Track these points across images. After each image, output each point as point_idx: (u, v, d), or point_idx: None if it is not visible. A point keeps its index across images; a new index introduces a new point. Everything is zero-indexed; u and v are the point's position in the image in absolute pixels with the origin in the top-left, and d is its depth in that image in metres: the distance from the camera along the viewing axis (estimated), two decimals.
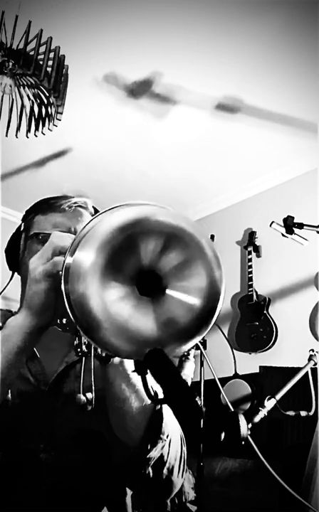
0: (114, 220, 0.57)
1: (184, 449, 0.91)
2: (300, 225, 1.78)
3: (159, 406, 0.84)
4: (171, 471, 0.86)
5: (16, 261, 1.04)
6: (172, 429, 0.86)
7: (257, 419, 1.33)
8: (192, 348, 1.86)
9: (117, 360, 0.80)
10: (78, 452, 0.88)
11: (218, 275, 0.61)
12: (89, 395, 0.84)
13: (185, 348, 0.58)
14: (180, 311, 0.57)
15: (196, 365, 1.84)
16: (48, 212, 1.00)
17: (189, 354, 1.83)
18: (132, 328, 0.55)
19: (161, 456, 0.84)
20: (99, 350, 0.76)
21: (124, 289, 0.56)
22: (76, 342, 0.76)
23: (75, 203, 0.98)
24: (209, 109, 2.88)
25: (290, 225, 1.78)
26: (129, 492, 0.96)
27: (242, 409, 2.79)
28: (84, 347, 0.75)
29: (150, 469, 0.84)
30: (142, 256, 0.57)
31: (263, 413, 1.36)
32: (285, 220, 1.79)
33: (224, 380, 2.82)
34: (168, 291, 0.57)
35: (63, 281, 0.58)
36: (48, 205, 1.01)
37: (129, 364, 0.80)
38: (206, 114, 2.92)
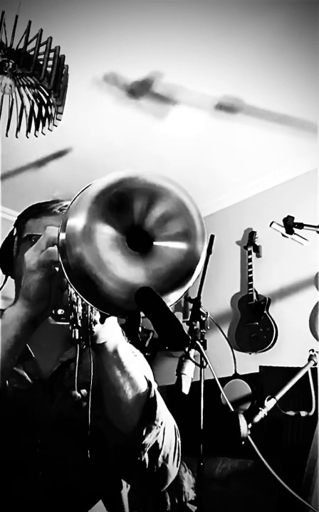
0: (100, 182, 0.61)
1: (179, 439, 0.94)
2: (300, 225, 1.78)
3: (153, 394, 0.87)
4: (166, 459, 0.89)
5: (10, 264, 1.06)
6: (166, 418, 0.89)
7: (257, 419, 1.33)
8: (192, 348, 1.86)
9: (111, 348, 0.82)
10: (75, 447, 0.90)
11: (199, 225, 0.63)
12: (84, 392, 0.90)
13: (174, 295, 0.60)
14: (166, 259, 0.60)
15: (196, 365, 1.84)
16: (40, 216, 1.02)
17: (189, 354, 1.83)
18: (123, 276, 0.58)
19: (156, 443, 0.87)
20: (95, 330, 0.78)
21: (115, 243, 0.59)
22: (72, 329, 0.78)
23: (66, 206, 0.97)
24: (209, 109, 2.88)
25: (290, 225, 1.77)
26: (125, 488, 0.98)
27: (242, 409, 2.79)
28: (78, 334, 0.78)
29: (146, 456, 0.86)
30: (130, 212, 0.60)
31: (263, 413, 1.36)
32: (285, 220, 1.79)
33: (224, 380, 2.82)
34: (155, 243, 0.61)
35: (60, 256, 0.61)
36: (39, 210, 1.04)
37: (124, 353, 0.84)
38: (206, 114, 2.92)
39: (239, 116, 2.90)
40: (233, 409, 1.85)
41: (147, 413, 0.85)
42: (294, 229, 1.78)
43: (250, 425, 1.30)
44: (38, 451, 0.90)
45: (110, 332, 0.82)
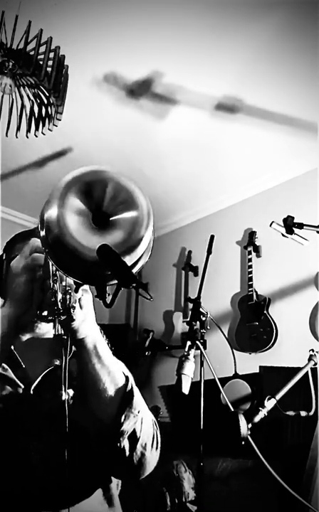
0: (66, 177, 0.77)
1: (157, 431, 1.04)
2: (300, 225, 1.78)
3: (131, 387, 0.98)
4: (144, 447, 0.98)
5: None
6: (143, 409, 0.99)
7: (257, 419, 1.33)
8: (192, 348, 1.86)
9: (90, 344, 0.94)
10: (64, 444, 0.96)
11: (144, 202, 0.76)
12: (70, 392, 1.00)
13: (129, 258, 0.73)
14: (121, 228, 0.74)
15: (196, 365, 1.84)
16: (28, 239, 1.10)
17: (189, 354, 1.83)
18: (90, 244, 0.71)
19: (134, 431, 0.96)
20: (75, 326, 0.91)
21: (82, 221, 0.73)
22: (54, 324, 0.93)
23: None
24: (209, 109, 2.88)
25: (290, 225, 1.77)
26: (116, 490, 1.05)
27: (242, 409, 2.79)
28: (61, 328, 0.92)
29: (125, 443, 0.95)
30: (92, 197, 0.75)
31: (263, 413, 1.36)
32: (285, 220, 1.79)
33: (224, 380, 2.82)
34: (111, 218, 0.75)
35: (42, 239, 0.75)
36: (27, 233, 1.15)
37: (102, 348, 0.96)
38: (206, 114, 2.92)
39: (239, 116, 2.90)
40: (233, 409, 1.85)
41: (125, 402, 0.95)
42: (294, 229, 1.78)
43: (250, 425, 1.30)
44: (31, 450, 0.97)
45: (88, 328, 0.94)
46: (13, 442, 0.98)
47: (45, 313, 0.93)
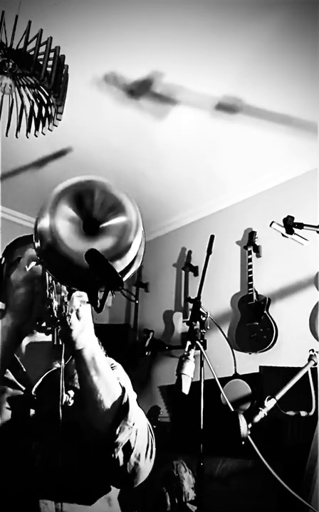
0: (61, 185, 0.80)
1: (152, 438, 1.05)
2: (300, 225, 1.77)
3: (126, 399, 0.98)
4: (138, 457, 0.99)
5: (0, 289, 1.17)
6: (138, 420, 1.00)
7: (257, 419, 1.33)
8: (192, 348, 1.86)
9: (89, 355, 0.96)
10: (66, 445, 1.00)
11: (133, 210, 0.81)
12: (71, 393, 1.03)
13: (120, 262, 0.77)
14: (110, 235, 0.77)
15: (196, 365, 1.84)
16: (27, 244, 1.14)
17: (189, 354, 1.83)
18: (81, 250, 0.74)
19: (129, 442, 0.97)
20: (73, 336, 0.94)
21: (73, 229, 0.77)
22: (53, 334, 0.96)
23: None
24: (209, 109, 2.88)
25: (290, 225, 1.77)
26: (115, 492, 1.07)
27: (242, 409, 2.79)
28: (57, 339, 0.95)
29: (119, 454, 0.96)
30: (82, 206, 0.78)
31: (263, 413, 1.35)
32: (285, 220, 1.79)
33: (224, 380, 2.82)
34: (101, 225, 0.78)
35: (36, 248, 0.78)
36: (25, 239, 1.17)
37: (100, 360, 0.98)
38: (206, 114, 2.92)
39: (239, 116, 2.90)
40: (233, 409, 1.85)
41: (120, 415, 0.96)
42: (294, 229, 1.78)
43: (250, 425, 1.30)
44: (33, 450, 0.99)
45: (86, 339, 0.96)
46: (16, 443, 0.99)
47: (44, 324, 0.98)
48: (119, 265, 0.76)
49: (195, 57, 2.53)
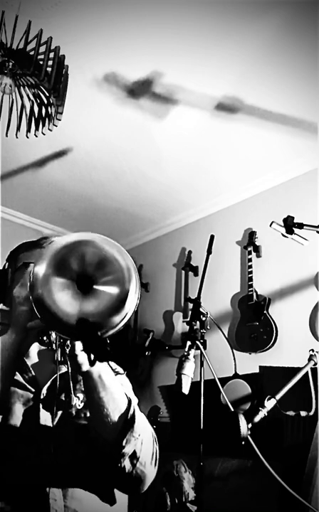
0: (65, 239, 0.88)
1: (156, 446, 1.08)
2: (300, 225, 1.77)
3: (132, 411, 1.01)
4: (144, 465, 1.02)
5: (3, 293, 1.20)
6: (144, 430, 1.03)
7: (257, 419, 1.33)
8: (192, 348, 1.86)
9: (95, 375, 0.98)
10: (76, 447, 1.02)
11: (128, 284, 0.84)
12: (80, 396, 1.06)
13: (113, 320, 0.82)
14: (102, 298, 0.83)
15: (196, 365, 1.84)
16: (31, 250, 1.18)
17: (189, 354, 1.83)
18: (71, 311, 0.81)
19: (135, 451, 1.00)
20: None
21: (66, 286, 0.83)
22: (54, 352, 1.05)
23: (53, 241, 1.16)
24: (209, 109, 2.88)
25: (290, 225, 1.77)
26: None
27: (242, 409, 2.79)
28: (60, 356, 1.05)
29: (125, 463, 0.99)
30: (79, 265, 0.85)
31: (263, 413, 1.35)
32: (285, 220, 1.79)
33: (224, 380, 2.82)
34: (95, 287, 0.84)
35: (28, 287, 0.87)
36: (31, 245, 1.21)
37: (106, 376, 1.00)
38: (206, 114, 2.92)
39: (239, 116, 2.90)
40: (233, 409, 1.85)
41: (127, 427, 0.99)
42: (294, 229, 1.78)
43: (250, 425, 1.30)
44: (43, 447, 1.00)
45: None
46: (26, 442, 1.01)
47: (45, 338, 1.05)
48: (116, 320, 0.81)
49: (195, 57, 2.53)
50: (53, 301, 0.81)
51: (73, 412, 1.05)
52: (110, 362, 1.11)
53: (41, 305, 0.82)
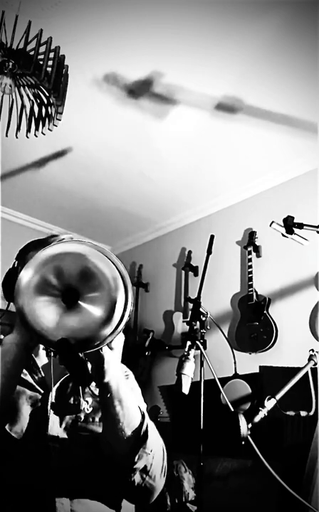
0: (50, 250, 0.85)
1: (165, 458, 1.07)
2: (300, 225, 1.78)
3: (146, 427, 0.99)
4: (153, 478, 1.01)
5: (12, 293, 1.15)
6: (156, 445, 1.02)
7: (257, 419, 1.33)
8: (192, 348, 1.86)
9: (114, 387, 0.95)
10: (83, 453, 1.02)
11: (115, 294, 0.81)
12: (89, 400, 1.04)
13: (99, 336, 0.80)
14: (88, 312, 0.80)
15: (196, 365, 1.84)
16: (40, 247, 1.14)
17: (189, 354, 1.83)
18: (52, 326, 0.80)
19: (145, 466, 0.99)
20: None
21: (50, 299, 0.81)
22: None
23: (63, 239, 1.17)
24: (209, 109, 2.88)
25: (290, 225, 1.77)
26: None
27: (242, 409, 2.79)
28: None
29: (135, 477, 0.99)
30: (60, 280, 0.82)
31: (263, 413, 1.35)
32: (285, 220, 1.79)
33: (224, 380, 2.82)
34: (79, 302, 0.81)
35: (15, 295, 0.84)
36: (39, 243, 1.20)
37: (123, 389, 0.97)
38: (206, 114, 2.92)
39: (239, 116, 2.91)
40: (233, 409, 1.85)
41: (139, 443, 0.98)
42: (294, 229, 1.78)
43: (250, 425, 1.30)
44: (50, 451, 1.00)
45: (113, 371, 0.94)
46: (33, 445, 1.00)
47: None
48: (106, 331, 0.80)
49: (195, 57, 2.53)
50: (33, 318, 0.80)
51: (82, 416, 1.04)
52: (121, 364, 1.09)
53: (23, 319, 0.81)
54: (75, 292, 0.81)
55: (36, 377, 1.08)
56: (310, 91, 2.70)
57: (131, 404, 0.99)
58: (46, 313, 0.80)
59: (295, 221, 1.77)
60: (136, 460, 0.97)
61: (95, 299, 0.80)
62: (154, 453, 1.01)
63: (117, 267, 0.83)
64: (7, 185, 3.73)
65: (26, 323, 0.80)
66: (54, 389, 1.06)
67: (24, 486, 0.97)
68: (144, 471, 0.99)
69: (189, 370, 1.78)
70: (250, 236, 3.43)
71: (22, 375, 1.04)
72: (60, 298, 0.81)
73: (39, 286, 0.81)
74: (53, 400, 1.05)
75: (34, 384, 1.06)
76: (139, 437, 0.98)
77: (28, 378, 1.07)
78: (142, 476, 0.99)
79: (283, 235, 1.81)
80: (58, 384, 1.07)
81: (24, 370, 1.06)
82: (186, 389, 1.76)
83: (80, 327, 0.79)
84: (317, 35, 2.35)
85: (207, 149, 3.27)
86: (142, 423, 1.00)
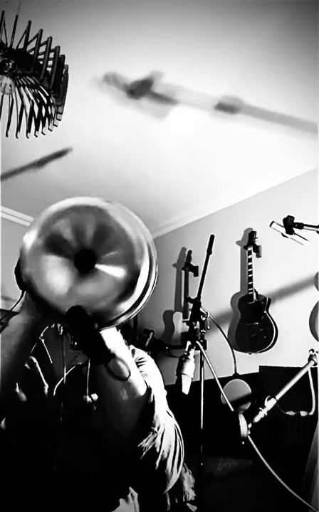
0: (60, 203, 0.72)
1: (180, 444, 0.93)
2: (300, 225, 1.78)
3: (152, 399, 0.87)
4: (163, 464, 0.88)
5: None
6: (165, 423, 0.89)
7: (257, 419, 1.33)
8: (192, 348, 1.86)
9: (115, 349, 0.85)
10: (86, 450, 0.96)
11: (139, 261, 0.69)
12: (94, 396, 0.96)
13: (122, 307, 0.69)
14: (106, 279, 0.68)
15: (196, 365, 1.84)
16: None
17: (189, 354, 1.83)
18: (65, 295, 0.67)
19: (153, 447, 0.86)
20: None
21: (61, 265, 0.68)
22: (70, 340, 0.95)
23: None
24: (209, 109, 2.88)
25: (290, 225, 1.77)
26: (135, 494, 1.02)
27: (242, 409, 2.79)
28: (74, 342, 0.95)
29: (143, 460, 0.85)
30: (75, 238, 0.68)
31: (263, 413, 1.35)
32: (285, 220, 1.79)
33: (224, 380, 2.82)
34: (97, 266, 0.68)
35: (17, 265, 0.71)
36: None
37: (124, 353, 0.86)
38: (206, 114, 2.92)
39: (239, 116, 2.90)
40: (233, 409, 1.85)
41: (144, 418, 0.85)
42: (294, 229, 1.78)
43: (250, 425, 1.30)
44: (52, 452, 0.94)
45: (114, 345, 0.83)
46: (35, 444, 0.96)
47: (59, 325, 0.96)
48: (124, 306, 0.68)
49: (195, 57, 2.53)
50: (41, 281, 0.67)
51: (86, 410, 0.97)
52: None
53: (30, 287, 0.68)
54: (90, 255, 0.68)
55: (44, 366, 1.01)
56: (310, 91, 2.70)
57: (133, 374, 0.86)
58: (57, 276, 0.67)
59: (295, 221, 1.77)
60: (140, 438, 0.84)
61: (114, 263, 0.67)
62: (163, 432, 0.87)
63: (142, 231, 0.70)
64: (7, 185, 3.73)
65: (33, 290, 0.68)
66: (58, 383, 1.01)
67: (24, 486, 0.94)
68: (153, 453, 0.85)
69: (189, 370, 1.78)
70: (250, 236, 3.43)
71: (29, 367, 0.99)
72: (73, 261, 0.68)
73: (48, 244, 0.68)
74: (57, 392, 0.99)
75: (41, 376, 1.01)
76: (144, 410, 0.85)
77: (35, 369, 1.01)
78: (151, 461, 0.86)
79: (283, 235, 1.81)
80: (63, 378, 1.01)
81: (33, 358, 1.00)
82: (186, 389, 1.76)
83: (94, 297, 0.67)
84: (317, 35, 2.35)
85: (207, 149, 3.27)
86: (147, 396, 0.87)
